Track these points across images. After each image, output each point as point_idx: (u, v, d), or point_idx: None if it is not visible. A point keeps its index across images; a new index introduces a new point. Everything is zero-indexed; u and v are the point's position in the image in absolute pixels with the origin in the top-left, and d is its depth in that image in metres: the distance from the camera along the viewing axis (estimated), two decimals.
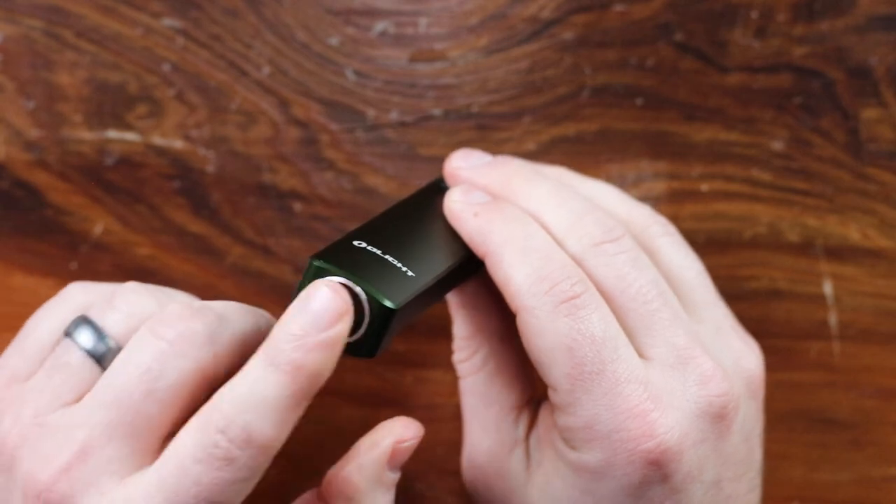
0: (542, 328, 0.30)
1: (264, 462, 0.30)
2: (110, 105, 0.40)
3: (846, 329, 0.41)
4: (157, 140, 0.41)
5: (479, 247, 0.32)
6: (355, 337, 0.30)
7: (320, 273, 0.30)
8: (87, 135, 0.41)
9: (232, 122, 0.41)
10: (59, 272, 0.41)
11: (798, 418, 0.41)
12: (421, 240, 0.33)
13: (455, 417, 0.41)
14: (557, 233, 0.32)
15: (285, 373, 0.28)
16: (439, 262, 0.32)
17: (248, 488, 0.30)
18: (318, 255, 0.31)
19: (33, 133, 0.41)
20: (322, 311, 0.28)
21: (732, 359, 0.33)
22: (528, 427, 0.35)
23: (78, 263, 0.41)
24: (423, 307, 0.32)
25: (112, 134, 0.41)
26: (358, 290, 0.30)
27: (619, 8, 0.40)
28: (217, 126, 0.41)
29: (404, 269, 0.31)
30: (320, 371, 0.29)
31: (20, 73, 0.40)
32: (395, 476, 0.32)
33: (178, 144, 0.41)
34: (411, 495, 0.41)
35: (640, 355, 0.32)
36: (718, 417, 0.32)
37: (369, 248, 0.32)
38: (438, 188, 0.36)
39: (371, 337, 0.30)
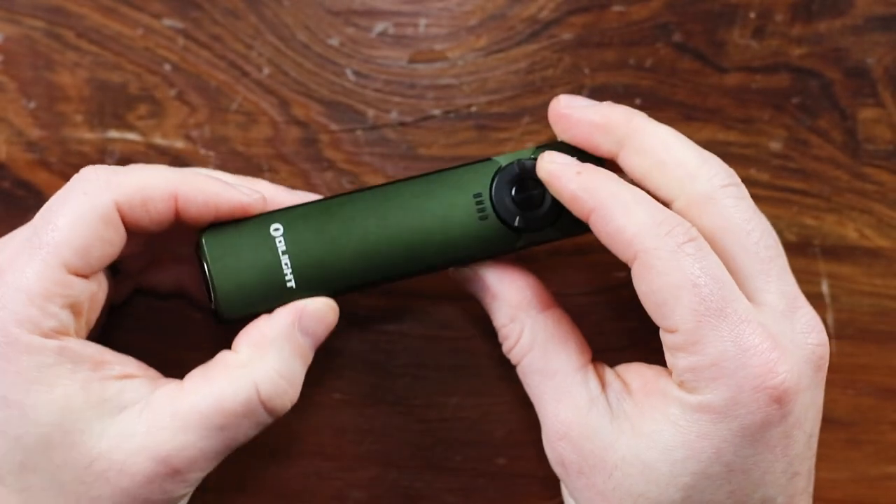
0: (666, 267, 0.31)
1: None
2: (111, 105, 0.41)
3: (844, 328, 0.41)
4: (158, 140, 0.41)
5: (586, 202, 0.32)
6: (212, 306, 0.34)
7: (199, 250, 0.33)
8: (88, 135, 0.41)
9: (232, 122, 0.41)
10: None
11: None
12: (354, 245, 0.34)
13: (453, 417, 0.41)
14: (689, 169, 0.33)
15: None
16: (354, 275, 0.34)
17: None
18: (209, 232, 0.33)
19: (35, 133, 0.41)
20: None
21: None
22: (600, 383, 0.34)
23: None
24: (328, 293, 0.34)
25: (113, 134, 0.41)
26: (210, 281, 0.33)
27: (617, 8, 0.40)
28: (218, 126, 0.41)
29: (289, 280, 0.33)
30: None
31: (21, 73, 0.41)
32: (306, 341, 0.34)
33: (178, 144, 0.41)
34: (410, 494, 0.41)
35: (749, 300, 0.32)
36: (818, 367, 0.33)
37: (278, 241, 0.33)
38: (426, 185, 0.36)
39: (215, 317, 0.34)
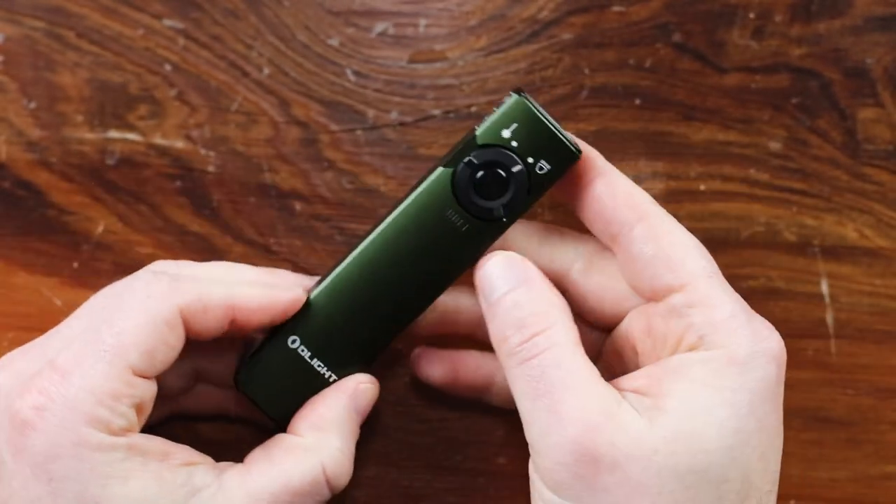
0: (673, 228, 0.34)
1: None
2: (112, 105, 0.41)
3: (843, 328, 0.41)
4: (159, 140, 0.41)
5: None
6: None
7: (242, 392, 0.36)
8: (88, 135, 0.41)
9: (233, 122, 0.41)
10: (61, 271, 0.41)
11: (795, 416, 0.41)
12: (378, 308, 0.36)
13: (453, 417, 0.41)
14: None
15: None
16: (390, 327, 0.36)
17: None
18: (242, 374, 0.36)
19: (35, 133, 0.41)
20: None
21: None
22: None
23: (80, 263, 0.41)
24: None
25: (113, 134, 0.41)
26: (263, 412, 0.36)
27: (617, 8, 0.41)
28: (218, 126, 0.41)
29: (329, 376, 0.36)
30: None
31: (22, 73, 0.41)
32: (359, 418, 0.36)
33: (179, 144, 0.41)
34: (410, 494, 0.41)
35: None
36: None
37: (301, 350, 0.36)
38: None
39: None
